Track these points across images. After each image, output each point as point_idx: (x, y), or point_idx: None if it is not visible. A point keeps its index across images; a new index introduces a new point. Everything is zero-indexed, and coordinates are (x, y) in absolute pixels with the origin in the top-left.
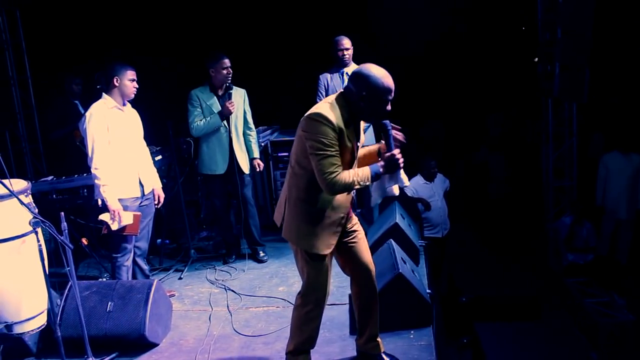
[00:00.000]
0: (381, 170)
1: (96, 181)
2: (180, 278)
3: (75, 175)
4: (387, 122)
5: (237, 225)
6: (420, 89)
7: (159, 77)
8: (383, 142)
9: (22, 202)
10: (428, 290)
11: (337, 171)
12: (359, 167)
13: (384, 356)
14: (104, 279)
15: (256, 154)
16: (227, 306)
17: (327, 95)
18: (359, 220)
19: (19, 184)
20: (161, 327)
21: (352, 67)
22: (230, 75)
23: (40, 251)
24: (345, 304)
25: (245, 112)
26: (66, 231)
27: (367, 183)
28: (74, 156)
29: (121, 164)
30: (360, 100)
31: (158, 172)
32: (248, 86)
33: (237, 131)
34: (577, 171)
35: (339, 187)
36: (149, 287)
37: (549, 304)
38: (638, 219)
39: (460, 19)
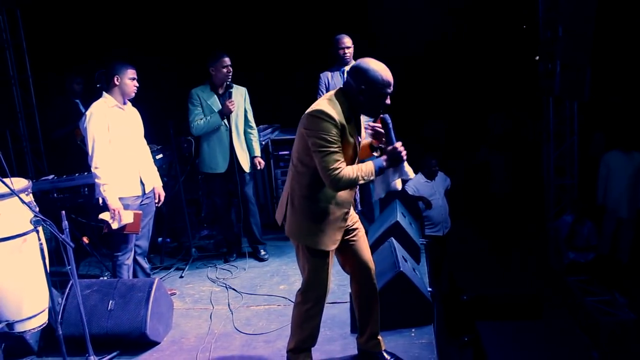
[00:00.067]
0: (384, 164)
1: (96, 180)
2: (181, 277)
3: (76, 174)
4: (387, 116)
5: (238, 223)
6: (421, 88)
7: (159, 76)
8: (371, 137)
9: (23, 201)
10: (429, 289)
11: (340, 167)
12: None
13: (385, 354)
14: (105, 278)
15: (257, 152)
16: (228, 304)
17: None
18: (360, 218)
19: (20, 183)
20: (162, 325)
21: None
22: (231, 74)
23: (42, 250)
24: (346, 302)
25: (246, 111)
26: (67, 230)
27: (372, 178)
28: (75, 155)
29: (122, 162)
30: (359, 94)
31: (159, 170)
32: (249, 85)
33: (238, 130)
34: (578, 170)
35: (343, 183)
36: (150, 285)
37: (550, 302)
38: (639, 218)
39: (461, 18)
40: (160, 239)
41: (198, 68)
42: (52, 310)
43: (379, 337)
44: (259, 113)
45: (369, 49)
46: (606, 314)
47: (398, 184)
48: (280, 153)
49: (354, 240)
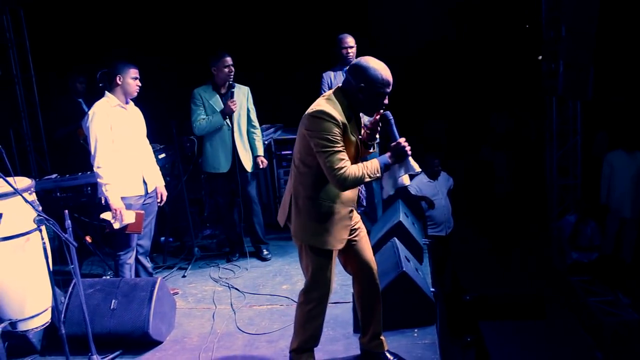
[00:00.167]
0: (390, 160)
1: (98, 180)
2: (184, 276)
3: (79, 173)
4: (388, 112)
5: (240, 223)
6: (422, 88)
7: (162, 75)
8: (364, 134)
9: (26, 200)
10: (432, 289)
11: (345, 166)
12: None
13: (387, 354)
14: (108, 277)
15: (260, 151)
16: (231, 304)
17: None
18: (362, 218)
19: (23, 182)
20: (165, 325)
21: None
22: (232, 73)
23: (45, 249)
24: (349, 302)
25: (248, 110)
26: (70, 229)
27: (378, 175)
28: (78, 154)
29: (124, 162)
30: (358, 92)
31: (161, 170)
32: (251, 85)
33: (240, 129)
34: (582, 170)
35: (349, 182)
36: (153, 285)
37: (554, 302)
38: None
39: (462, 17)
40: (162, 239)
41: (199, 68)
42: (54, 309)
43: (382, 337)
44: (259, 113)
45: (369, 49)
46: (609, 314)
47: (405, 179)
48: (283, 153)
49: (355, 241)
